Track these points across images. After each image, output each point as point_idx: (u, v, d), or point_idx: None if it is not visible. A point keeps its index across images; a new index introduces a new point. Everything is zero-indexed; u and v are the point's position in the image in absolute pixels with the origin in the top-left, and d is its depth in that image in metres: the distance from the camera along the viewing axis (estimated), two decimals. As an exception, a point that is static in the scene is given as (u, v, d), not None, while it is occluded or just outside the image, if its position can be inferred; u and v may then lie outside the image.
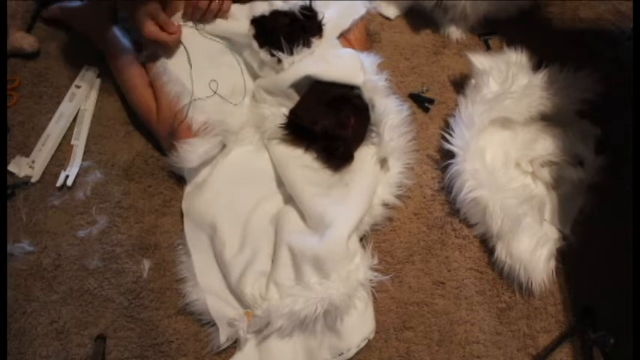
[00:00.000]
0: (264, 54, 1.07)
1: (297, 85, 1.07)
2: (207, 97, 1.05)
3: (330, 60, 1.07)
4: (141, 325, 0.98)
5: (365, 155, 1.05)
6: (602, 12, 1.35)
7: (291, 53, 1.06)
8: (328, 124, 1.01)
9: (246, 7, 1.14)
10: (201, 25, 1.11)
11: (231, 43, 1.13)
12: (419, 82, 1.24)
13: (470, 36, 1.31)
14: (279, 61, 1.06)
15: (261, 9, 1.11)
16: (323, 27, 1.10)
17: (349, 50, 1.11)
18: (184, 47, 1.08)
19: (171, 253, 1.04)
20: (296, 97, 1.08)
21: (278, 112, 1.07)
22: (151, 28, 1.04)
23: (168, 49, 1.08)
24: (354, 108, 1.04)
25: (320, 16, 1.10)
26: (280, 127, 1.05)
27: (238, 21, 1.12)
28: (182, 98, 1.03)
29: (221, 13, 1.11)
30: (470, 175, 1.02)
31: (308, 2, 1.10)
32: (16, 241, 1.04)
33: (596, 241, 1.04)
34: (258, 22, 1.08)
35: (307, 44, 1.07)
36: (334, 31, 1.13)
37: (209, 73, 1.08)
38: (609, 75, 1.15)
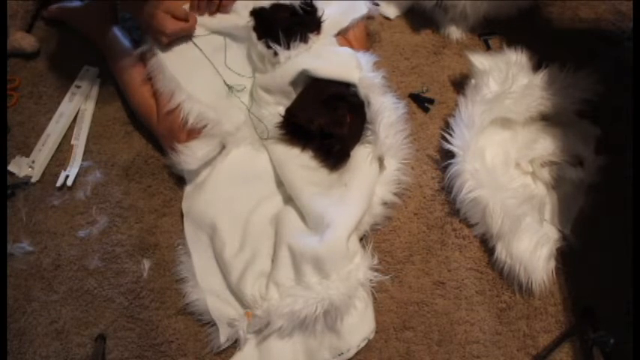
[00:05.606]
0: (261, 46, 1.07)
1: (295, 84, 1.07)
2: (204, 95, 1.05)
3: (327, 56, 1.07)
4: (141, 325, 0.98)
5: (363, 154, 1.04)
6: (602, 12, 1.35)
7: (289, 47, 1.06)
8: (324, 122, 1.01)
9: (250, 3, 1.13)
10: (203, 20, 1.11)
11: (232, 37, 1.13)
12: (419, 82, 1.24)
13: (470, 36, 1.31)
14: (276, 54, 1.06)
15: (264, 2, 1.11)
16: (322, 23, 1.11)
17: (346, 48, 1.11)
18: (184, 44, 1.09)
19: (171, 253, 1.04)
20: (294, 96, 1.08)
21: (276, 111, 1.07)
22: (174, 26, 1.05)
23: (168, 45, 1.08)
24: (350, 106, 1.04)
25: (319, 13, 1.10)
26: (277, 126, 1.05)
27: (239, 15, 1.12)
28: (175, 96, 1.03)
29: (222, 8, 1.12)
30: (470, 175, 1.02)
31: None
32: (16, 241, 1.04)
33: (596, 241, 1.04)
34: (257, 14, 1.08)
35: (304, 39, 1.07)
36: (332, 28, 1.13)
37: (207, 71, 1.08)
38: (609, 75, 1.15)
